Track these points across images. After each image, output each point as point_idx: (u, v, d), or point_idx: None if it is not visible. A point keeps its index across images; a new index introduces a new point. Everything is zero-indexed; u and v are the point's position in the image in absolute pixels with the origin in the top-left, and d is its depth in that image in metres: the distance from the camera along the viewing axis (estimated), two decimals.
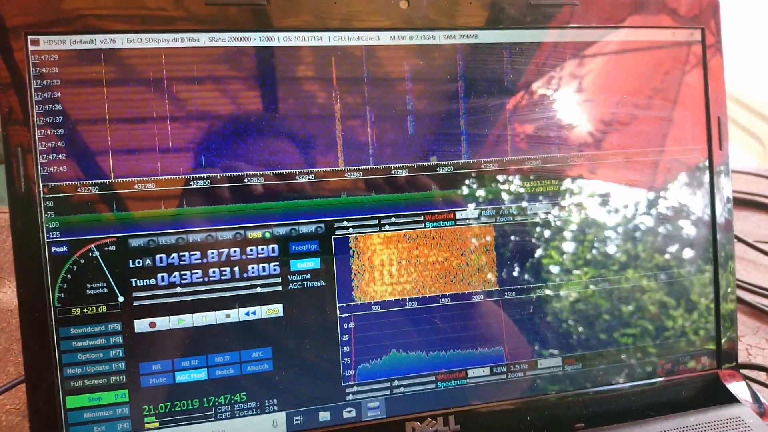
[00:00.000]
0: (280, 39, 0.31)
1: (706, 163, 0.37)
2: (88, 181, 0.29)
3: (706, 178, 0.37)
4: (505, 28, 0.34)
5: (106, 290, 0.30)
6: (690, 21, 0.37)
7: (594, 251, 0.36)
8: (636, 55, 0.37)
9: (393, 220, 0.33)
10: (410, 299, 0.33)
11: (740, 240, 0.58)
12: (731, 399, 0.36)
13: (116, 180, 0.30)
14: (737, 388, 0.37)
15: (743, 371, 0.38)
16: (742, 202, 0.72)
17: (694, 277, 0.37)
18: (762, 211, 0.71)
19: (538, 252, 0.35)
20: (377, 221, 0.33)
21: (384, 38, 0.32)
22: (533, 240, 0.35)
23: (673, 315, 0.37)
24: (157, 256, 0.30)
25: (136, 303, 0.30)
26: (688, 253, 0.37)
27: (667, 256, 0.37)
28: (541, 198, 0.35)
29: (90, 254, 0.29)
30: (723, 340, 0.38)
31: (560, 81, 0.35)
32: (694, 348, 0.37)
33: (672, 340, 0.37)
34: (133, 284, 0.30)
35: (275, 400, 0.31)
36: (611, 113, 0.36)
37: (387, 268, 0.33)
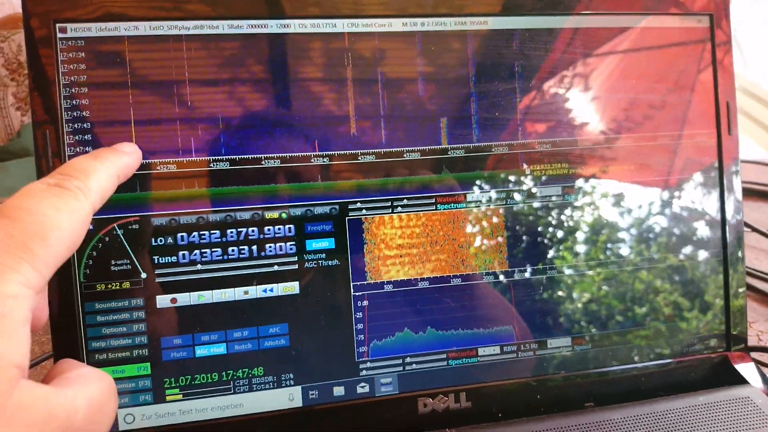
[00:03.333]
0: (295, 26, 0.32)
1: (715, 148, 0.38)
2: None
3: (715, 162, 0.38)
4: (516, 15, 0.35)
5: (129, 267, 0.31)
6: (699, 6, 0.38)
7: (603, 234, 0.36)
8: (646, 41, 0.37)
9: (405, 202, 0.34)
10: (421, 279, 0.34)
11: (754, 229, 0.58)
12: (740, 380, 0.36)
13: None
14: (746, 369, 0.37)
15: (753, 354, 0.39)
16: (755, 193, 0.72)
17: (705, 264, 0.38)
18: None
19: (548, 234, 0.35)
20: (390, 203, 0.34)
21: (396, 25, 0.33)
22: (543, 222, 0.35)
23: (684, 300, 0.37)
24: (179, 235, 0.31)
25: (158, 279, 0.31)
26: (698, 240, 0.38)
27: (676, 243, 0.37)
28: (551, 181, 0.35)
29: (114, 232, 0.31)
30: (732, 324, 0.38)
31: (570, 67, 0.36)
32: (705, 331, 0.38)
33: (683, 324, 0.37)
34: (156, 261, 0.31)
35: (291, 375, 0.32)
36: (621, 98, 0.37)
37: (399, 248, 0.34)
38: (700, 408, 0.34)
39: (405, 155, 0.34)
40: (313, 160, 0.33)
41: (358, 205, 0.33)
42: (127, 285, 0.31)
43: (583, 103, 0.36)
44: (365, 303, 0.33)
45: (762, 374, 0.37)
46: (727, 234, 0.38)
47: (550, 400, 0.35)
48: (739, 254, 0.38)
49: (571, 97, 0.36)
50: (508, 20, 0.35)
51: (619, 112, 0.37)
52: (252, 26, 0.32)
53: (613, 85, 0.37)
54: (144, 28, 0.31)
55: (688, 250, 0.37)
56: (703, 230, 0.38)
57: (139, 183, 0.31)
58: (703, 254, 0.38)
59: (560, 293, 0.36)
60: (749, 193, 0.71)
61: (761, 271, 0.53)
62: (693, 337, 0.37)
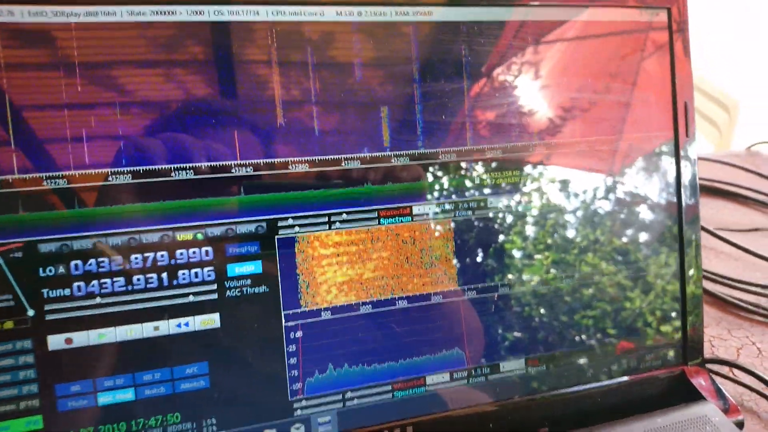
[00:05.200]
0: (210, 13, 0.27)
1: (673, 150, 0.36)
2: None
3: (673, 165, 0.36)
4: (464, 5, 0.31)
5: (12, 303, 0.26)
6: (655, 0, 0.35)
7: (557, 243, 0.34)
8: (600, 36, 0.34)
9: (344, 216, 0.30)
10: (364, 303, 0.30)
11: (702, 228, 0.58)
12: (697, 396, 0.35)
13: (20, 177, 0.26)
14: (703, 384, 0.35)
15: (708, 365, 0.37)
16: (703, 189, 0.72)
17: (660, 271, 0.36)
18: (721, 198, 0.71)
19: (500, 248, 0.32)
20: (326, 218, 0.30)
21: (329, 13, 0.29)
22: (495, 235, 0.32)
23: (637, 311, 0.35)
24: (72, 263, 0.26)
25: (49, 317, 0.26)
26: (653, 246, 0.36)
27: (631, 248, 0.35)
28: (503, 190, 0.32)
29: None
30: (689, 336, 0.36)
31: (522, 64, 0.33)
32: (660, 344, 0.36)
33: (637, 337, 0.35)
34: (45, 295, 0.26)
35: (214, 420, 0.28)
36: (575, 99, 0.34)
37: (338, 270, 0.30)
38: (659, 431, 0.32)
39: (343, 163, 0.30)
40: (234, 170, 0.28)
41: (290, 221, 0.29)
42: (10, 325, 0.26)
43: (536, 105, 0.33)
44: (299, 334, 0.29)
45: (718, 389, 0.35)
46: (684, 244, 0.36)
47: (503, 427, 0.32)
48: (696, 264, 0.36)
49: (523, 98, 0.33)
50: (456, 11, 0.31)
51: (575, 113, 0.34)
52: (156, 13, 0.27)
53: (568, 84, 0.34)
54: (21, 13, 0.26)
55: (643, 260, 0.35)
56: (660, 235, 0.36)
57: (21, 202, 0.26)
58: (659, 262, 0.36)
59: (513, 311, 0.33)
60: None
61: (710, 271, 0.53)
62: (648, 351, 0.36)
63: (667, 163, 0.36)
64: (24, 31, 0.26)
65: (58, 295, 0.26)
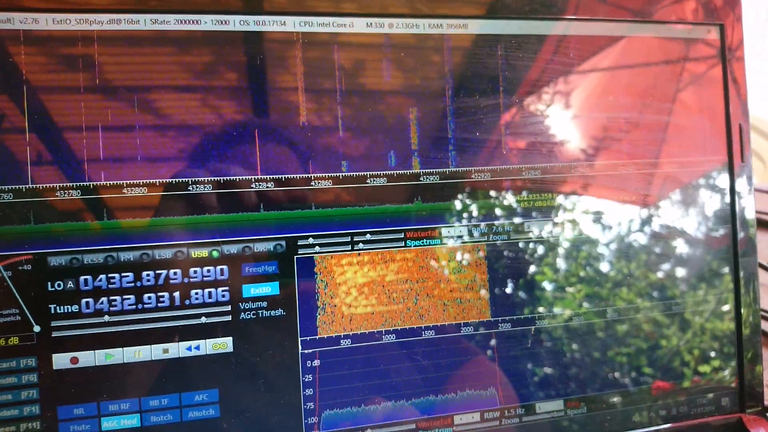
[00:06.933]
0: (235, 23, 0.26)
1: (726, 177, 0.33)
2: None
3: (726, 192, 0.33)
4: (501, 18, 0.30)
5: (18, 318, 0.25)
6: (708, 16, 0.33)
7: (600, 275, 0.31)
8: (648, 54, 0.32)
9: (368, 237, 0.28)
10: (387, 332, 0.28)
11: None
12: None
13: (34, 186, 0.25)
14: None
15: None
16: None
17: (714, 308, 0.33)
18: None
19: (538, 277, 0.30)
20: (349, 238, 0.28)
21: (359, 25, 0.28)
22: (532, 263, 0.30)
23: (689, 352, 0.32)
24: (82, 278, 0.25)
25: (55, 334, 0.25)
26: (705, 281, 0.33)
27: (681, 284, 0.32)
28: (540, 214, 0.30)
29: (0, 274, 0.24)
30: (746, 380, 0.33)
31: (562, 81, 0.31)
32: (714, 389, 0.32)
33: (689, 380, 0.32)
34: (52, 311, 0.25)
35: None
36: (620, 118, 0.32)
37: (360, 294, 0.28)
38: None
39: (368, 180, 0.28)
40: (254, 185, 0.27)
41: (310, 240, 0.27)
42: (15, 341, 0.25)
43: (578, 125, 0.31)
44: (316, 363, 0.27)
45: None
46: (741, 279, 0.33)
47: None
48: (754, 302, 0.33)
49: (563, 117, 0.31)
50: (493, 24, 0.29)
51: (619, 134, 0.32)
52: (180, 22, 0.26)
53: (611, 103, 0.32)
54: (45, 21, 0.25)
55: (697, 296, 0.32)
56: (712, 269, 0.33)
57: (33, 213, 0.25)
58: (713, 298, 0.32)
59: (552, 347, 0.30)
60: None
61: (764, 309, 0.49)
62: (701, 396, 0.32)
63: (720, 190, 0.33)
64: (45, 38, 0.25)
65: (66, 311, 0.25)
